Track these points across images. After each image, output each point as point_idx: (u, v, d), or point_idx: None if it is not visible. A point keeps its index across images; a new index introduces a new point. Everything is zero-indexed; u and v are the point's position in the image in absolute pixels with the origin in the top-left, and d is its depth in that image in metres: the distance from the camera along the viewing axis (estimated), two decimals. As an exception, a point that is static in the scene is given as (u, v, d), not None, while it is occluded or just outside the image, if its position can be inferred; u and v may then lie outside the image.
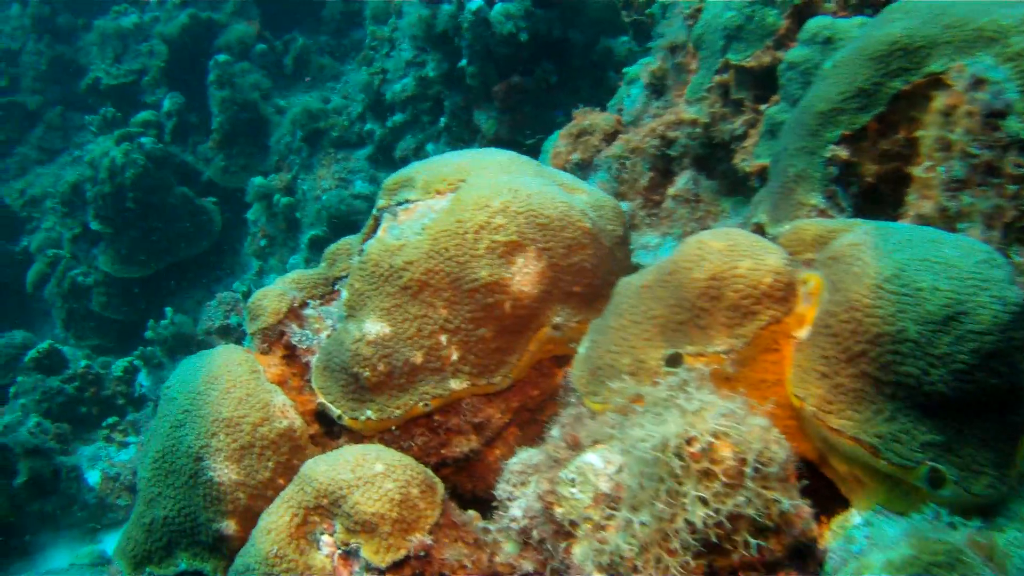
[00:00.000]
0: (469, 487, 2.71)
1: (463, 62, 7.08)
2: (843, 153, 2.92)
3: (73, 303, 9.20)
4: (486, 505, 2.59)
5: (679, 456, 1.91)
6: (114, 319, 8.80)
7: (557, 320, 2.61)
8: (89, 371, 8.18)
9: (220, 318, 7.56)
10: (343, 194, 8.08)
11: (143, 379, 7.32)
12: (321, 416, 2.74)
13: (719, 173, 4.19)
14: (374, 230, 2.92)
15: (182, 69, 9.44)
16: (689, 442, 1.92)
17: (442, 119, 7.51)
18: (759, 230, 3.09)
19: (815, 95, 3.03)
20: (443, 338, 2.55)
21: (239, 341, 7.51)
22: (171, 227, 8.33)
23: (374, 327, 2.58)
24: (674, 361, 2.20)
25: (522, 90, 7.06)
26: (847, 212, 2.94)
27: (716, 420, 1.93)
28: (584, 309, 2.66)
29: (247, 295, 7.72)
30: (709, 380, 2.10)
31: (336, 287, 3.14)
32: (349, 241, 3.19)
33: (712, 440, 1.89)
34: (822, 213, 2.96)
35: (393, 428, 2.61)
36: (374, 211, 3.01)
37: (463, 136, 7.49)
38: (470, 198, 2.66)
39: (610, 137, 4.65)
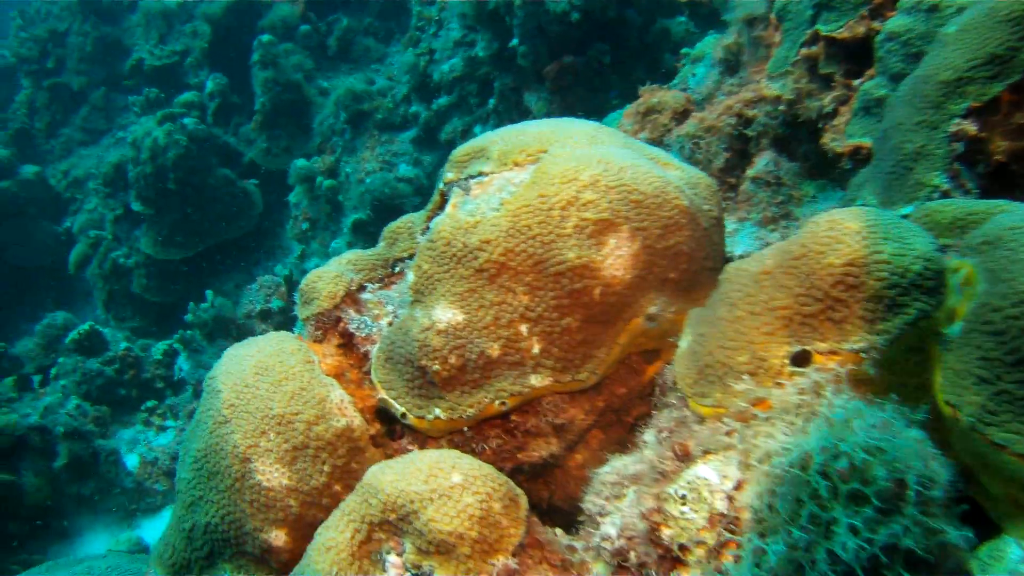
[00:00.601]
0: (546, 495, 2.38)
1: (514, 41, 6.73)
2: (971, 128, 2.56)
3: (114, 284, 8.98)
4: (565, 516, 2.27)
5: (824, 475, 1.56)
6: (154, 301, 8.56)
7: (652, 310, 2.27)
8: (129, 353, 7.96)
9: (261, 302, 7.28)
10: (387, 177, 7.77)
11: (182, 362, 7.06)
12: (382, 414, 2.41)
13: (801, 154, 3.82)
14: (441, 206, 2.59)
15: (225, 50, 9.15)
16: (836, 458, 1.57)
17: (491, 100, 7.16)
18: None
19: (937, 63, 2.66)
20: (523, 328, 2.21)
21: (282, 327, 7.23)
22: (212, 208, 8.06)
23: (445, 314, 2.25)
24: (802, 360, 1.85)
25: (574, 71, 6.70)
26: (973, 194, 2.58)
27: (868, 432, 1.58)
28: (681, 298, 2.31)
29: (289, 279, 7.45)
30: (846, 382, 1.76)
31: (396, 269, 2.81)
32: (411, 219, 2.87)
33: (865, 456, 1.55)
34: (945, 195, 2.60)
35: (464, 429, 2.28)
36: (440, 185, 2.68)
37: (512, 118, 7.14)
38: (556, 170, 2.32)
39: (680, 116, 4.29)
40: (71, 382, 8.01)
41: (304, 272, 7.96)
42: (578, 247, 2.21)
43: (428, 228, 2.59)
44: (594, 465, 2.21)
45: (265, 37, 8.41)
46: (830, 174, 3.75)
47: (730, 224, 3.84)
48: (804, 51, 3.58)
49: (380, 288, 2.74)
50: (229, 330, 7.20)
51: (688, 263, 2.40)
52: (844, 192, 3.50)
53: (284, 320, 7.38)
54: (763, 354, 1.89)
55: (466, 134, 7.64)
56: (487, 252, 2.24)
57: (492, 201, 2.37)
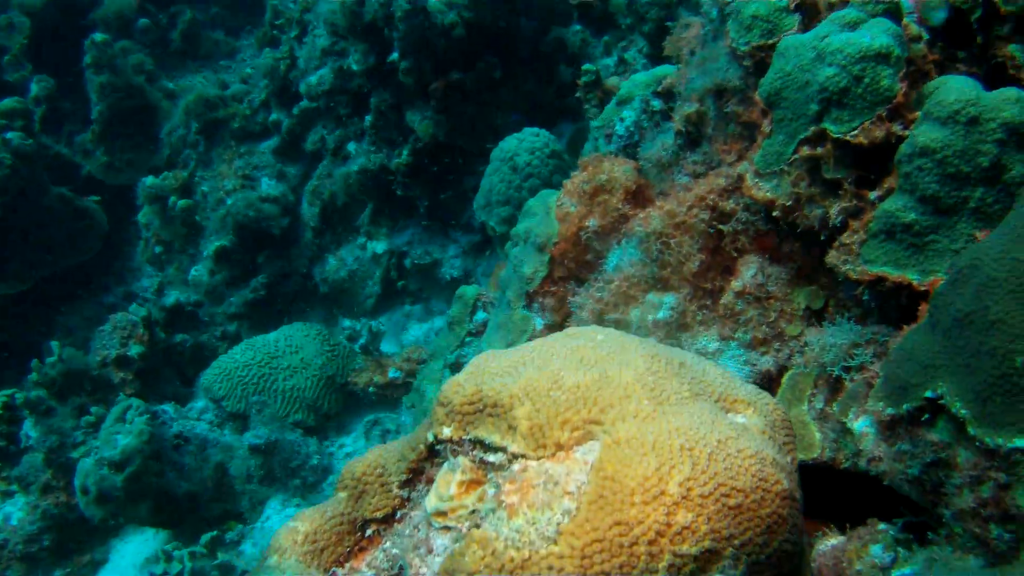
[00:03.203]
0: None
1: (394, 55, 5.72)
2: None
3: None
4: None
5: None
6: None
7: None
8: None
9: (117, 346, 6.11)
10: (251, 197, 6.64)
11: (30, 429, 5.82)
12: None
13: (785, 253, 3.12)
14: (428, 458, 1.74)
15: (51, 46, 7.61)
16: None
17: (367, 117, 6.12)
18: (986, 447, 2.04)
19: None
20: None
21: (143, 375, 6.09)
22: (47, 233, 6.70)
23: None
24: None
25: (463, 88, 5.77)
26: None
27: None
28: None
29: (148, 320, 6.26)
30: None
31: (368, 533, 1.93)
32: (382, 460, 1.99)
33: None
34: None
35: None
36: (430, 436, 1.82)
37: (391, 137, 6.16)
38: (631, 479, 1.51)
39: (632, 197, 3.50)
40: None
41: (165, 310, 6.78)
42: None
43: (410, 499, 1.75)
44: None
45: (99, 36, 6.98)
46: (819, 280, 3.07)
47: (712, 342, 3.13)
48: (807, 151, 2.84)
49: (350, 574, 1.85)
50: (83, 384, 6.00)
51: (791, 561, 1.65)
52: (857, 326, 2.82)
53: (145, 368, 6.22)
54: None
55: (338, 151, 6.58)
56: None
57: (541, 523, 1.52)
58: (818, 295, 3.08)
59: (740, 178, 3.16)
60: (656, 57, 5.72)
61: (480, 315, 4.62)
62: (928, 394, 2.27)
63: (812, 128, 2.83)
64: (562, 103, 6.23)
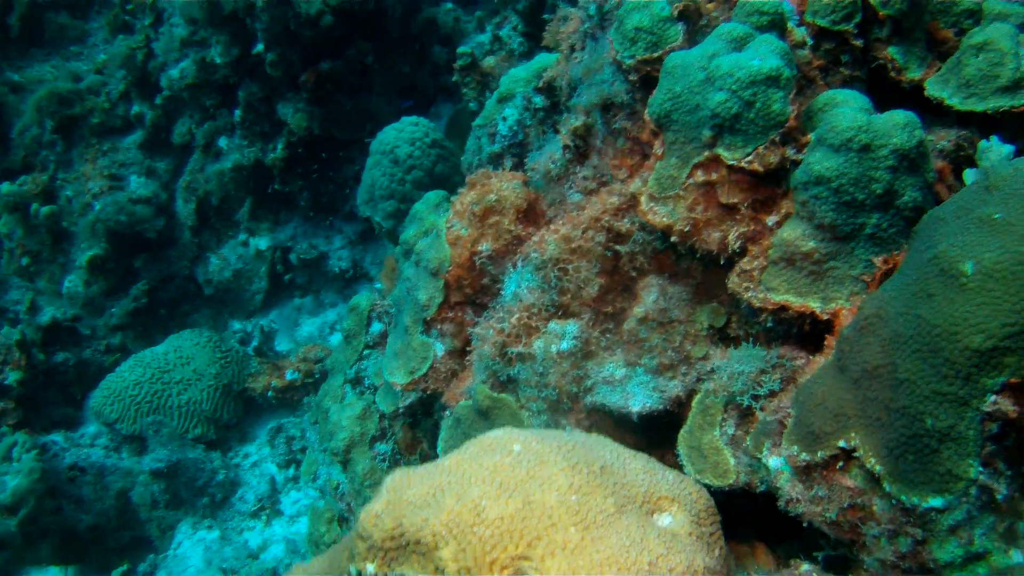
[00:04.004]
0: None
1: (259, 47, 5.33)
2: (1009, 407, 1.90)
3: None
4: None
5: None
6: None
7: None
8: None
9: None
10: (120, 200, 6.20)
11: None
12: None
13: (685, 270, 3.04)
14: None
15: None
16: None
17: (237, 112, 5.73)
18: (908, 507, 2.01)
19: (960, 317, 1.94)
20: None
21: (23, 402, 5.69)
22: None
23: None
24: None
25: (334, 77, 5.44)
26: (1004, 482, 1.94)
27: None
28: None
29: (23, 342, 5.82)
30: None
31: None
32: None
33: None
34: (984, 489, 1.94)
35: None
36: (353, 570, 1.69)
37: (264, 129, 5.80)
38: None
39: (524, 216, 3.35)
40: None
41: (40, 329, 6.30)
42: None
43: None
44: None
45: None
46: (719, 292, 2.99)
47: (619, 370, 3.03)
48: (700, 175, 2.73)
49: None
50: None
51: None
52: (762, 352, 2.76)
53: (25, 394, 5.80)
54: None
55: (209, 147, 6.17)
56: None
57: None
58: (719, 312, 3.01)
59: (634, 197, 3.04)
60: (532, 36, 5.51)
61: (376, 326, 4.42)
62: (842, 444, 2.23)
63: (706, 153, 2.71)
64: (438, 83, 5.98)
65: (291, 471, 5.55)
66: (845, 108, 2.58)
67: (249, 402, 5.93)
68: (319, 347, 5.85)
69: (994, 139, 2.76)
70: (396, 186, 5.04)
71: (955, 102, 2.96)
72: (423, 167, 5.04)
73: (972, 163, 2.97)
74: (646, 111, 2.89)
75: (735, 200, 2.72)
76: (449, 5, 6.11)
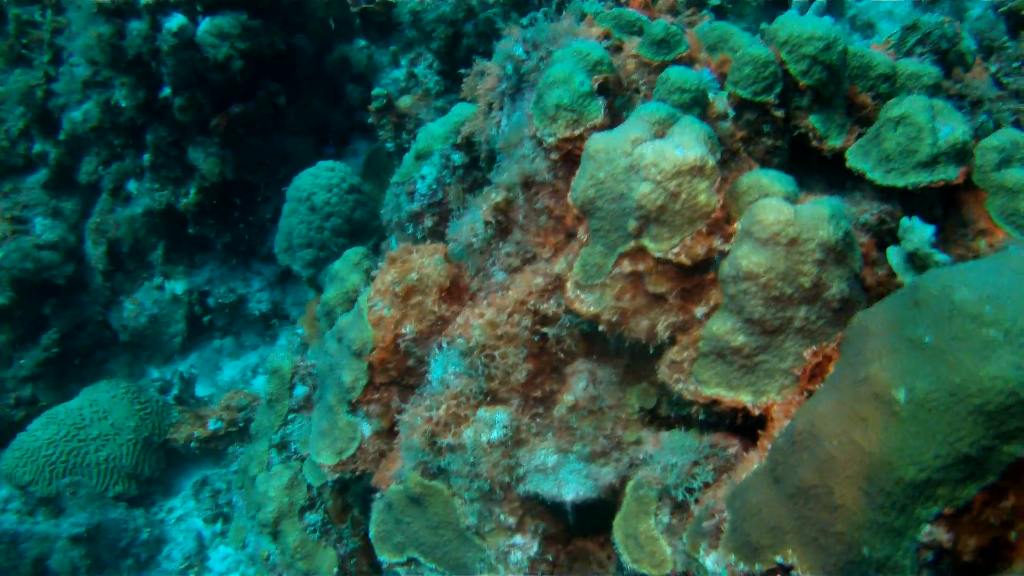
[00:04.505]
0: None
1: (166, 91, 5.07)
2: (943, 536, 1.87)
3: None
4: None
5: None
6: None
7: None
8: None
9: None
10: (26, 247, 5.87)
11: None
12: None
13: (613, 350, 2.96)
14: None
15: None
16: None
17: (146, 156, 5.46)
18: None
19: (893, 447, 1.90)
20: None
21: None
22: None
23: None
24: None
25: (246, 120, 5.21)
26: None
27: None
28: None
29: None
30: None
31: None
32: None
33: None
34: None
35: None
36: None
37: (175, 174, 5.53)
38: None
39: (447, 295, 3.23)
40: None
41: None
42: None
43: None
44: None
45: None
46: (649, 375, 2.92)
47: (551, 457, 2.94)
48: (627, 265, 2.65)
49: None
50: None
51: None
52: (695, 442, 2.69)
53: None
54: None
55: (118, 191, 5.87)
56: None
57: None
58: (650, 393, 2.94)
59: (559, 278, 2.95)
60: (447, 74, 5.36)
61: (300, 389, 4.25)
62: (779, 560, 2.17)
63: (632, 243, 2.63)
64: (353, 121, 5.79)
65: (218, 526, 5.35)
66: (771, 199, 2.52)
67: (172, 453, 5.69)
68: (242, 394, 5.64)
69: (915, 220, 2.73)
70: (314, 234, 4.86)
71: (876, 176, 2.93)
72: (341, 214, 4.87)
73: (894, 235, 2.95)
74: (569, 195, 2.79)
75: (663, 289, 2.64)
76: (362, 43, 5.90)
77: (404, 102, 5.23)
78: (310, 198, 4.86)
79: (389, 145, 5.18)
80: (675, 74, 2.85)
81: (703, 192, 2.54)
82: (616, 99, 3.08)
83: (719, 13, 5.05)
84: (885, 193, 2.96)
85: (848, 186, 3.21)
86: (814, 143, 3.12)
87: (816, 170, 3.30)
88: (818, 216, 2.46)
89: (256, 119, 5.24)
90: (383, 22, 5.91)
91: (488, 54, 5.18)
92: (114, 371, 6.24)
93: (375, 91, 5.05)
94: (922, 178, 2.86)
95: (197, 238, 5.83)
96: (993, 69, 4.46)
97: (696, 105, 2.86)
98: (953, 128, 2.89)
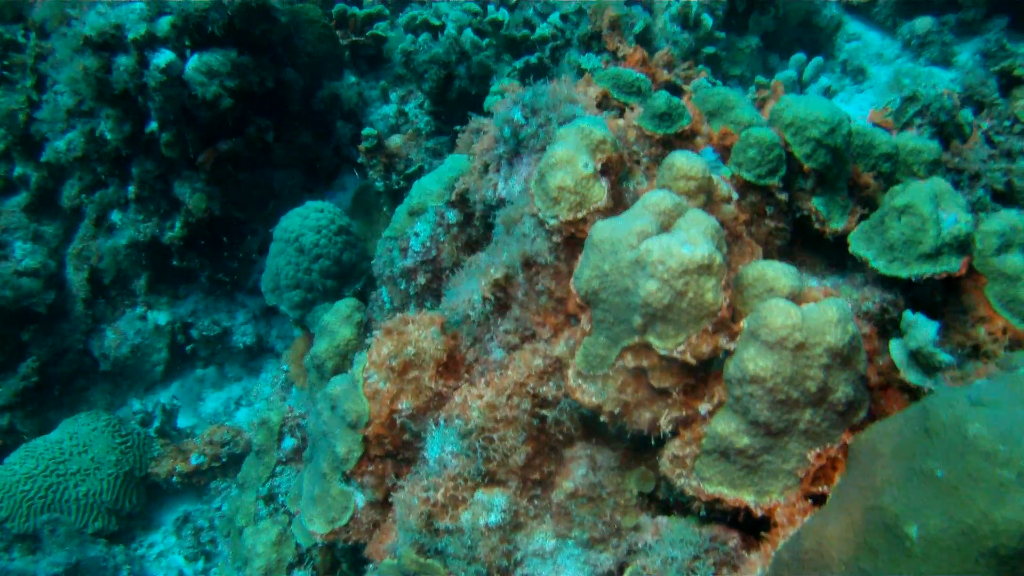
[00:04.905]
0: None
1: (152, 125, 4.98)
2: None
3: None
4: None
5: None
6: None
7: None
8: None
9: None
10: (5, 273, 5.76)
11: None
12: None
13: (612, 434, 2.93)
14: None
15: None
16: None
17: (131, 188, 5.35)
18: None
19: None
20: None
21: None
22: None
23: None
24: None
25: (234, 157, 5.12)
26: None
27: None
28: None
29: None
30: None
31: None
32: None
33: None
34: None
35: None
36: None
37: (161, 208, 5.42)
38: None
39: (444, 368, 3.18)
40: None
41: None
42: None
43: None
44: None
45: None
46: (649, 456, 2.90)
47: (549, 541, 2.91)
48: (631, 359, 2.61)
49: None
50: None
51: None
52: (696, 535, 2.67)
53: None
54: None
55: (101, 220, 5.76)
56: None
57: None
58: (648, 478, 2.92)
59: (558, 360, 2.91)
60: (439, 115, 5.29)
61: (288, 441, 4.19)
62: None
63: (636, 339, 2.59)
64: (341, 155, 5.71)
65: (200, 564, 5.27)
66: (779, 301, 2.48)
67: (153, 487, 5.60)
68: (225, 428, 5.56)
69: (919, 317, 2.72)
70: (302, 276, 4.79)
71: (879, 265, 2.92)
72: (330, 256, 4.80)
73: (896, 323, 2.94)
74: (572, 282, 2.75)
75: (666, 385, 2.61)
76: (352, 79, 5.81)
77: (394, 141, 5.16)
78: (298, 239, 4.78)
79: (379, 185, 5.11)
80: (681, 160, 2.82)
81: (710, 291, 2.50)
82: (618, 176, 3.04)
83: (714, 61, 5.02)
84: (887, 281, 2.95)
85: (849, 265, 3.20)
86: (816, 226, 3.10)
87: (816, 247, 3.28)
88: (825, 320, 2.43)
89: (244, 155, 5.15)
90: (372, 55, 5.83)
91: (481, 96, 5.15)
92: (94, 400, 6.14)
93: (365, 131, 4.98)
94: (925, 270, 2.85)
95: (182, 269, 5.73)
96: (985, 127, 4.47)
97: (701, 192, 2.83)
98: (956, 218, 2.88)
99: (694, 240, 2.54)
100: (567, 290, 2.90)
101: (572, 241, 2.90)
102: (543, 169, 2.92)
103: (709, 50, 4.84)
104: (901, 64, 6.10)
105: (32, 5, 5.96)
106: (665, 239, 2.55)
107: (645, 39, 4.26)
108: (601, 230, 2.66)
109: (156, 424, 5.71)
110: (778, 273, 2.64)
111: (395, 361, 3.15)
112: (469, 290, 3.30)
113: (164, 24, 4.74)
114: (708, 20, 4.83)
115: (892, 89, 5.29)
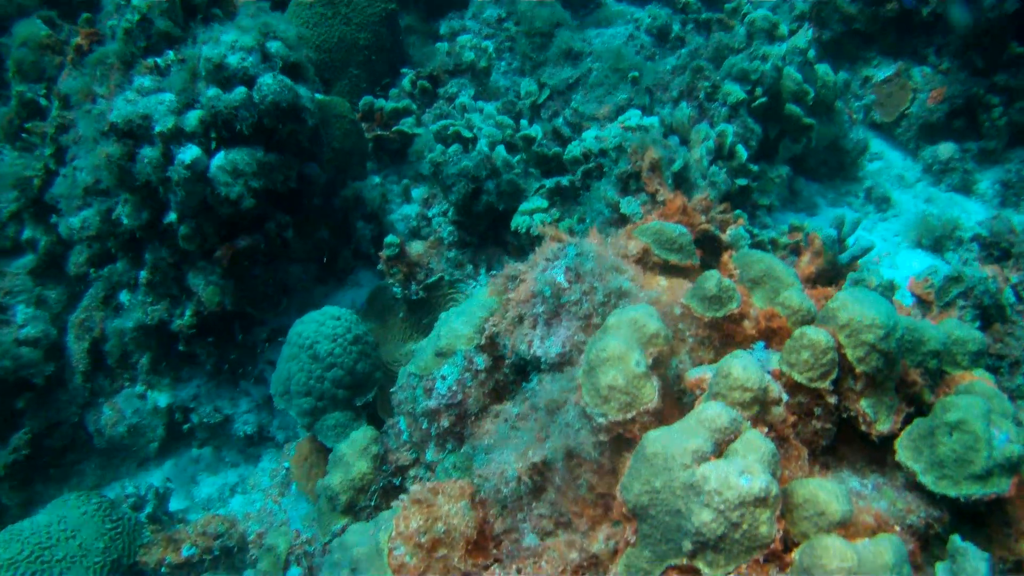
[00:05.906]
0: None
1: (171, 216, 4.86)
2: None
3: None
4: None
5: None
6: None
7: None
8: None
9: None
10: (5, 341, 5.59)
11: None
12: None
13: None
14: None
15: None
16: None
17: (142, 273, 5.22)
18: None
19: None
20: None
21: None
22: None
23: None
24: None
25: (252, 254, 5.01)
26: None
27: None
28: None
29: None
30: None
31: None
32: None
33: None
34: None
35: None
36: None
37: (172, 293, 5.29)
38: None
39: (473, 549, 3.08)
40: None
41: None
42: None
43: None
44: None
45: None
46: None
47: None
48: (677, 582, 2.51)
49: None
50: None
51: None
52: None
53: None
54: None
55: (109, 300, 5.61)
56: None
57: None
58: None
59: (595, 557, 2.82)
60: (463, 226, 5.20)
61: (294, 571, 4.06)
62: None
63: (684, 561, 2.50)
64: (358, 252, 5.61)
65: (185, 665, 5.11)
66: (834, 539, 2.40)
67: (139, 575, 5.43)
68: (219, 519, 5.40)
69: (970, 548, 2.65)
70: (314, 383, 4.68)
71: (927, 481, 2.85)
72: (344, 366, 4.69)
73: (940, 539, 2.88)
74: (619, 492, 2.66)
75: (713, 612, 2.51)
76: (376, 179, 5.72)
77: (416, 248, 5.07)
78: (313, 346, 4.67)
79: (397, 291, 5.01)
80: (738, 370, 2.74)
81: (765, 524, 2.42)
82: (668, 369, 2.97)
83: (745, 194, 4.97)
84: (933, 495, 2.88)
85: (889, 461, 3.13)
86: (863, 427, 3.03)
87: (858, 443, 3.21)
88: (880, 564, 2.36)
89: (263, 251, 5.04)
90: (396, 150, 5.75)
91: (508, 212, 5.07)
92: (85, 474, 5.96)
93: (388, 239, 4.89)
94: (975, 491, 2.78)
95: (186, 354, 5.59)
96: (1014, 280, 4.44)
97: (756, 403, 2.75)
98: (1009, 437, 2.82)
99: (751, 470, 2.46)
100: (608, 485, 2.82)
101: (619, 441, 2.81)
102: (593, 362, 2.83)
103: (741, 182, 4.80)
104: (922, 188, 6.09)
105: (59, 76, 5.83)
106: (723, 467, 2.47)
107: (682, 176, 4.19)
108: (654, 442, 2.58)
109: (148, 509, 5.55)
110: (830, 497, 2.57)
111: (424, 537, 3.04)
112: (502, 461, 3.20)
113: (192, 119, 4.64)
114: (743, 153, 4.79)
115: (918, 229, 5.27)
